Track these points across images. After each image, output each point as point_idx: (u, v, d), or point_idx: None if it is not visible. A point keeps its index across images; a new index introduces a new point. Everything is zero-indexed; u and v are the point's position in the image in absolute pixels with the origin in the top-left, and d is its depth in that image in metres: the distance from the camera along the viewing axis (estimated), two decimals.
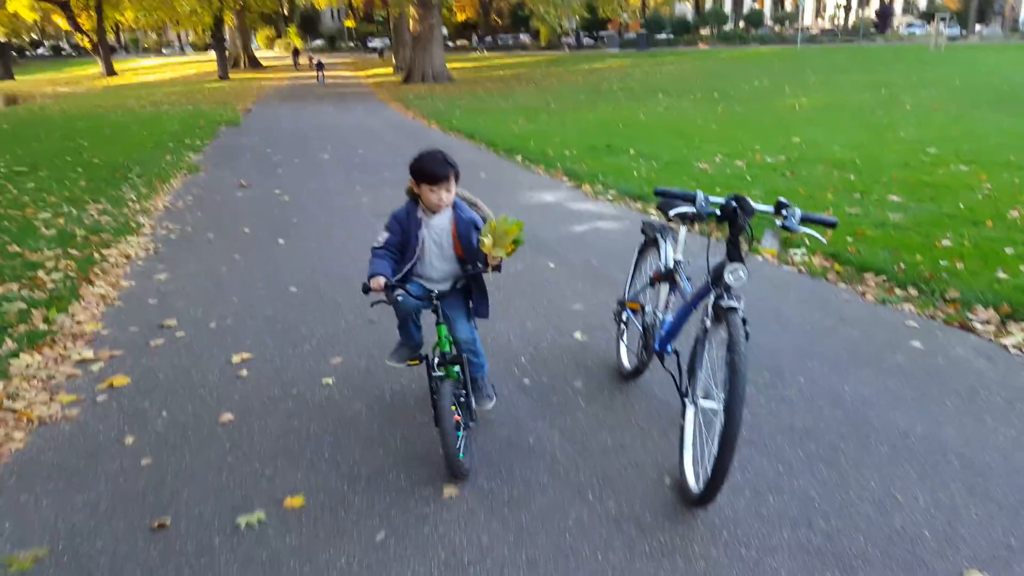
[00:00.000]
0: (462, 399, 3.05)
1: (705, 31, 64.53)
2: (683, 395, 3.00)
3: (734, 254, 2.74)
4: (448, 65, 34.57)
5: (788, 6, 73.33)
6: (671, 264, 3.40)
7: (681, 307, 3.22)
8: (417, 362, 3.40)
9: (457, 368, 3.03)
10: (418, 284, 3.15)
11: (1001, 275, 5.53)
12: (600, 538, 2.68)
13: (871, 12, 68.46)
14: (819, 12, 79.99)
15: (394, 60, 44.13)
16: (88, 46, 48.90)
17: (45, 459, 3.24)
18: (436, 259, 3.14)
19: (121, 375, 4.04)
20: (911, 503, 2.86)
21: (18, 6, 43.97)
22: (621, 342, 3.98)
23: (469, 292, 3.22)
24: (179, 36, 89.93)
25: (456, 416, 2.94)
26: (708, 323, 2.83)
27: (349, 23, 79.28)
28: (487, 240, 2.86)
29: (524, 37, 67.27)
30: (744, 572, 2.49)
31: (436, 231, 3.11)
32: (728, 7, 72.42)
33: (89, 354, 4.35)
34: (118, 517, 2.81)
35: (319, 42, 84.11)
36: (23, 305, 5.05)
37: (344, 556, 2.57)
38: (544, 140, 13.24)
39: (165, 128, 16.44)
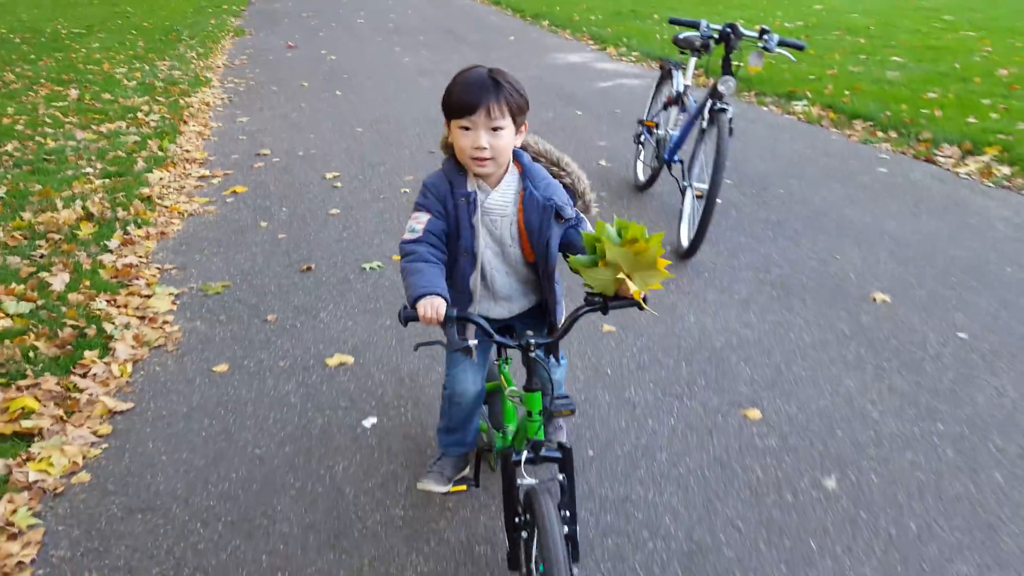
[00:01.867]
0: (567, 518, 1.75)
1: None
2: (682, 188, 4.02)
3: (727, 68, 3.68)
4: None
5: None
6: (681, 89, 4.31)
7: (686, 120, 4.17)
8: (464, 487, 2.20)
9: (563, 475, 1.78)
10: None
11: (971, 120, 6.38)
12: None
13: None
14: None
15: None
16: None
17: (203, 235, 4.34)
18: (497, 264, 1.90)
19: (239, 186, 5.09)
20: (845, 260, 3.92)
21: None
22: (638, 160, 4.96)
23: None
24: None
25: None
26: (704, 125, 3.79)
27: None
28: (629, 282, 1.55)
29: None
30: (717, 293, 3.58)
31: (493, 217, 1.84)
32: None
33: (206, 172, 5.39)
34: (274, 265, 3.93)
35: None
36: (137, 137, 6.06)
37: None
38: (570, 6, 13.69)
39: None
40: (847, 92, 7.45)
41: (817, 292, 3.57)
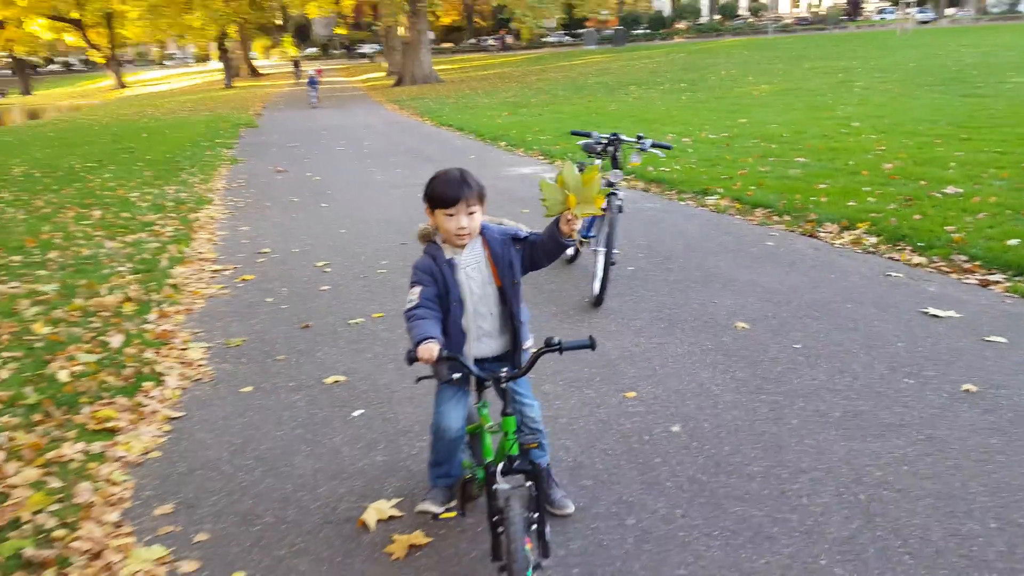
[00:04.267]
0: (534, 524, 2.25)
1: (681, 25, 66.84)
2: (595, 253, 5.25)
3: (615, 165, 5.00)
4: (436, 66, 36.85)
5: None
6: None
7: None
8: (454, 513, 2.68)
9: (529, 480, 2.26)
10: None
11: (851, 203, 7.79)
12: (549, 314, 4.94)
13: None
14: (795, 0, 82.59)
15: (386, 65, 46.35)
16: (101, 61, 51.72)
17: (221, 310, 5.46)
18: (479, 303, 2.48)
19: (247, 275, 6.26)
20: (721, 304, 5.08)
21: (37, 25, 46.42)
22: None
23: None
24: (181, 49, 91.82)
25: (531, 548, 2.21)
26: (606, 207, 5.07)
27: (340, 30, 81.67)
28: (560, 197, 2.25)
29: (508, 38, 69.43)
30: (618, 325, 4.73)
31: (470, 268, 2.47)
32: (704, 0, 74.74)
33: (219, 267, 6.57)
34: (280, 325, 5.04)
35: (312, 50, 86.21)
36: (157, 244, 7.26)
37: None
38: (524, 129, 15.51)
39: (193, 131, 18.64)
40: (752, 187, 8.91)
41: (694, 324, 4.74)
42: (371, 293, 5.64)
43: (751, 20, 67.44)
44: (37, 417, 3.77)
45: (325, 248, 7.07)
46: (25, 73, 59.33)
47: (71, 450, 3.44)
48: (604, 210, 4.97)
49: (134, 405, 3.89)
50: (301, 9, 48.72)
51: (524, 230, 2.53)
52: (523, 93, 25.25)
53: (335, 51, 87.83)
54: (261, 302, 5.57)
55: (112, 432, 3.61)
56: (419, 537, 2.70)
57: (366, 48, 76.07)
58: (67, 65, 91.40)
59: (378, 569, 2.57)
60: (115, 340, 4.70)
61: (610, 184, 5.00)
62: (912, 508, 2.74)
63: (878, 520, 2.68)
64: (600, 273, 5.14)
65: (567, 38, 68.24)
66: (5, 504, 3.04)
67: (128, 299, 5.57)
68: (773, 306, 5.03)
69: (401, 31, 36.03)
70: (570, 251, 6.18)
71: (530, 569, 2.13)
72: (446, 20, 71.22)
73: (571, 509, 2.80)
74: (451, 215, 2.37)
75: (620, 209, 4.90)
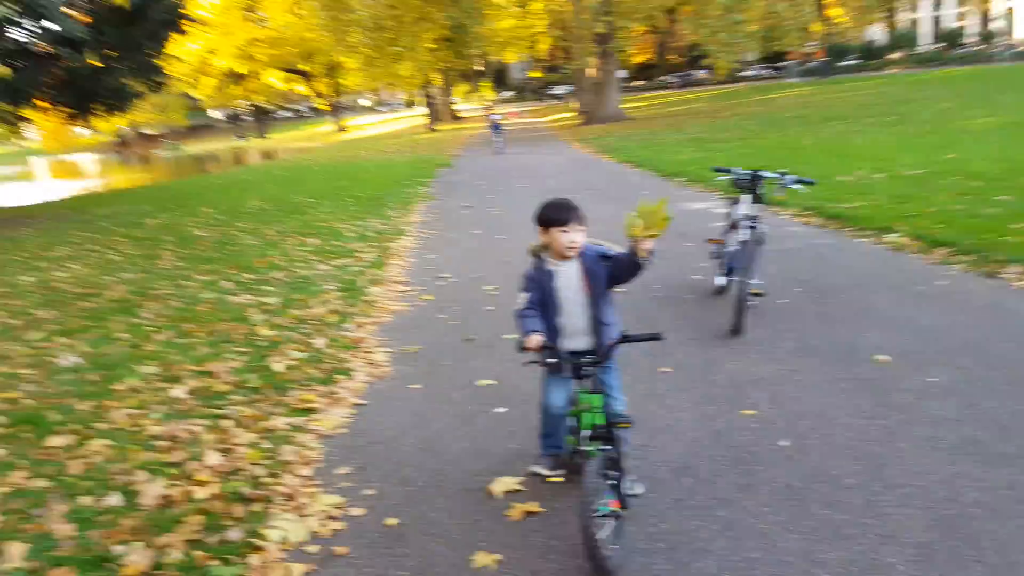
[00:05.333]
0: (613, 481, 2.84)
1: (895, 55, 62.48)
2: (736, 284, 5.52)
3: (757, 200, 5.28)
4: (626, 104, 37.54)
5: (995, 22, 69.01)
6: (739, 216, 5.90)
7: (740, 238, 5.72)
8: (561, 478, 3.24)
9: (610, 446, 2.84)
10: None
11: None
12: (686, 338, 5.28)
13: None
14: None
15: (576, 105, 47.96)
16: (325, 108, 58.69)
17: (403, 323, 6.37)
18: (572, 306, 3.03)
19: (428, 295, 7.19)
20: (867, 339, 5.11)
21: (274, 76, 53.96)
22: (717, 273, 6.49)
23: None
24: (392, 95, 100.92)
25: (613, 502, 2.80)
26: (746, 238, 5.34)
27: (534, 74, 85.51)
28: (638, 223, 2.78)
29: (701, 72, 68.72)
30: (757, 354, 4.97)
31: (566, 278, 3.02)
32: (926, 27, 69.45)
33: (406, 288, 7.57)
34: (448, 338, 5.83)
35: (508, 93, 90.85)
36: (359, 268, 8.46)
37: None
38: (705, 165, 15.60)
39: (397, 172, 20.71)
40: (940, 225, 8.49)
41: (832, 355, 4.86)
42: None
43: (980, 47, 61.56)
44: (257, 397, 4.77)
45: (497, 275, 7.86)
46: (262, 119, 68.60)
47: (279, 422, 4.36)
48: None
49: (329, 392, 4.79)
50: (499, 55, 51.79)
51: (614, 250, 3.04)
52: (712, 129, 25.14)
53: (528, 94, 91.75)
54: (436, 318, 6.42)
55: (311, 411, 4.52)
56: (534, 506, 3.24)
57: (559, 90, 78.84)
58: (296, 112, 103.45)
59: (498, 527, 3.14)
60: (319, 342, 5.71)
61: (751, 218, 5.27)
62: (999, 527, 2.83)
63: (960, 533, 2.81)
64: (736, 303, 5.40)
65: (767, 71, 66.30)
66: (231, 456, 3.98)
67: (332, 311, 6.65)
68: (921, 343, 5.00)
69: (591, 72, 37.24)
70: (719, 282, 6.42)
71: (602, 507, 2.72)
72: (639, 59, 72.15)
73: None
74: (565, 231, 2.94)
75: (760, 241, 5.16)
